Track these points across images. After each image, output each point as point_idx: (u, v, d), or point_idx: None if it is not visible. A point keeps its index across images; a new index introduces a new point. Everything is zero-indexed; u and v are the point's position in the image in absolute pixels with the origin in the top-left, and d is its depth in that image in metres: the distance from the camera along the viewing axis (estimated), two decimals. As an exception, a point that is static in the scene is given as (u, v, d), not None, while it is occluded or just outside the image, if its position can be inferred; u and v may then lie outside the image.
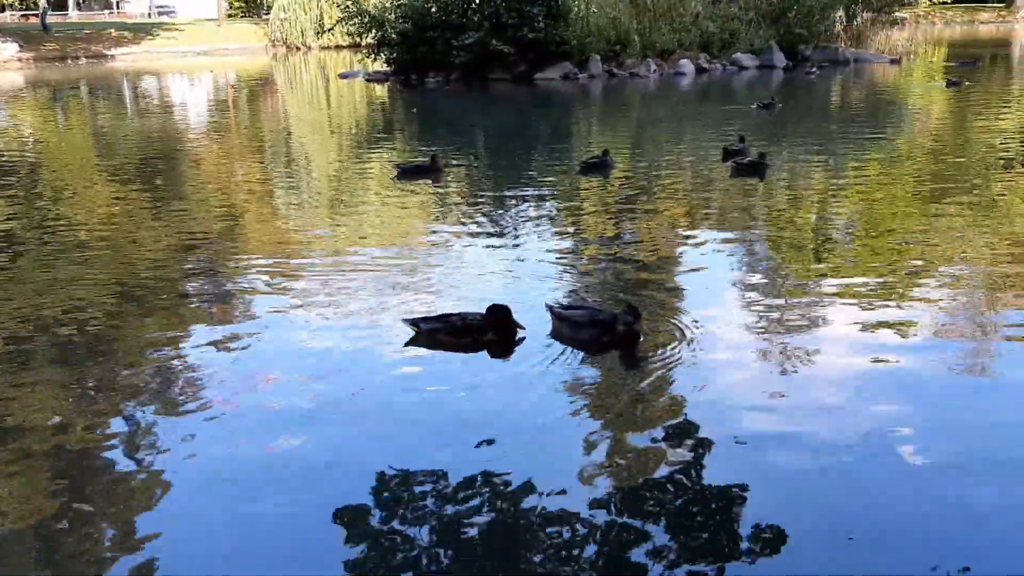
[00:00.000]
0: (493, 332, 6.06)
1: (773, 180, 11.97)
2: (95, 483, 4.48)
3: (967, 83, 24.21)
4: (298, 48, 58.75)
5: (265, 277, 7.98)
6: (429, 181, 12.32)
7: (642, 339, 5.93)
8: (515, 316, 6.10)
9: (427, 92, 28.93)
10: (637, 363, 5.70)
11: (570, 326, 6.10)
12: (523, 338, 6.09)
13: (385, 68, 33.56)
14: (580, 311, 6.16)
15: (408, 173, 12.48)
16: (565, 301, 6.79)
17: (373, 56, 33.68)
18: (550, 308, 6.31)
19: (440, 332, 6.12)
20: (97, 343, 6.46)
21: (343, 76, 36.52)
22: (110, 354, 6.23)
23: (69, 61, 52.39)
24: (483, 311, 6.12)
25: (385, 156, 16.07)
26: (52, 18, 62.66)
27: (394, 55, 32.37)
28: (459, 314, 6.19)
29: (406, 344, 6.13)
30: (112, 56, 55.44)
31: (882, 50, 38.26)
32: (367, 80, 33.58)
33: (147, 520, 4.16)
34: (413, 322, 6.23)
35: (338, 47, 55.02)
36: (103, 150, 18.05)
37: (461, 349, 6.00)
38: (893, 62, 32.97)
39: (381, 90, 30.44)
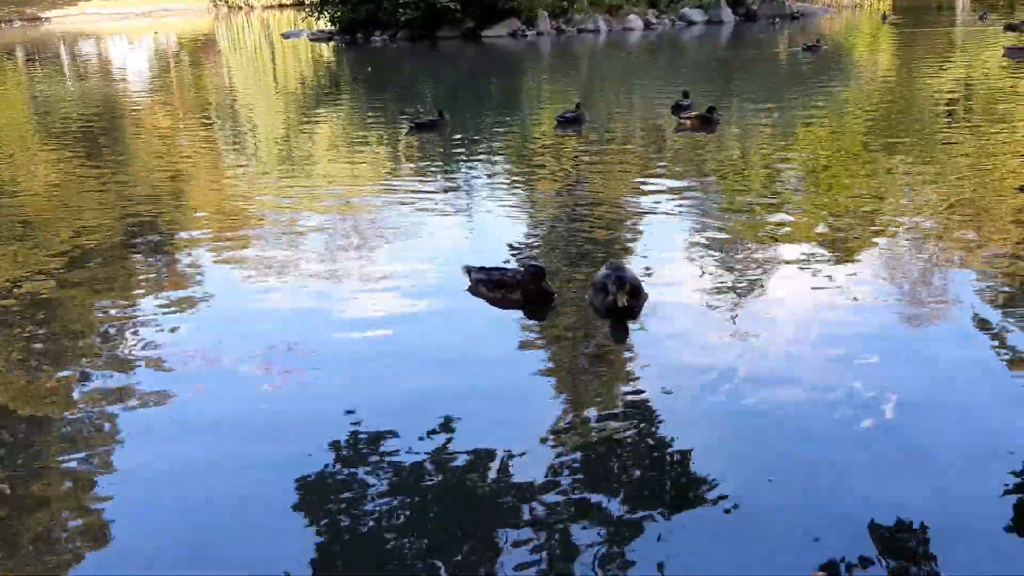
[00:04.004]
0: (521, 292, 5.95)
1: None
2: (45, 449, 4.38)
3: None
4: (240, 8, 57.51)
5: (213, 240, 7.82)
6: (437, 135, 12.66)
7: (638, 309, 5.65)
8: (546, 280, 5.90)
9: (373, 51, 28.46)
10: (614, 329, 5.56)
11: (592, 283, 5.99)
12: (553, 303, 5.91)
13: (329, 27, 32.95)
14: (604, 272, 5.84)
15: (421, 128, 12.94)
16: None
17: (317, 15, 33.02)
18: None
19: (481, 284, 6.11)
20: (44, 310, 6.28)
21: (286, 36, 35.81)
22: (57, 320, 6.07)
23: (2, 25, 50.66)
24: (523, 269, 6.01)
25: (337, 118, 15.79)
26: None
27: (338, 13, 31.77)
28: (502, 269, 6.14)
29: (465, 290, 6.13)
30: (47, 19, 53.74)
31: (829, 3, 38.45)
32: (311, 40, 32.97)
33: (99, 484, 4.08)
34: (468, 270, 6.24)
35: (281, 6, 54.04)
36: (44, 117, 17.50)
37: (496, 304, 5.95)
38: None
39: (326, 50, 29.89)
